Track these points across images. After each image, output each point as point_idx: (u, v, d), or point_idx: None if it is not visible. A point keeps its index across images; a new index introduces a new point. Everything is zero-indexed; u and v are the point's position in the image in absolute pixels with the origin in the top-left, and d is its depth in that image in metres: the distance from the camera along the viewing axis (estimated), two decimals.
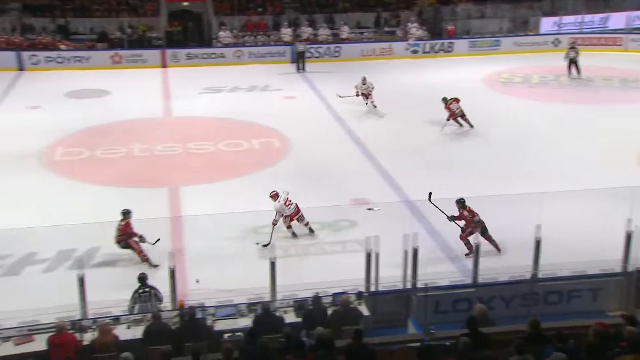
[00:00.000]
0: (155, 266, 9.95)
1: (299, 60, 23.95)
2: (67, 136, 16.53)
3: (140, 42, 25.37)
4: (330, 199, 12.15)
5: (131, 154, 15.44)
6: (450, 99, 16.35)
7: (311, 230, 11.05)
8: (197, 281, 9.33)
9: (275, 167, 14.43)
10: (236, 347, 6.76)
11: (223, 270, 9.80)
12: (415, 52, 25.93)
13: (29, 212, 11.80)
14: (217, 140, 16.12)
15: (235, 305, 8.41)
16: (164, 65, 24.56)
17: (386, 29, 27.31)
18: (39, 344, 7.72)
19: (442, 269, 9.77)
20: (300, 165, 14.40)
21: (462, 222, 10.14)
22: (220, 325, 8.18)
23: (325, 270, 9.90)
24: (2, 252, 10.22)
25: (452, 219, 10.04)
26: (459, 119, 16.37)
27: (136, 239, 10.17)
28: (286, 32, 26.08)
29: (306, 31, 26.07)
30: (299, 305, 8.46)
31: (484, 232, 10.09)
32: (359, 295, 8.64)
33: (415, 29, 26.60)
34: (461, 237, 10.17)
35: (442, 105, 16.40)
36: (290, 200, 10.88)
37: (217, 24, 26.40)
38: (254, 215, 10.80)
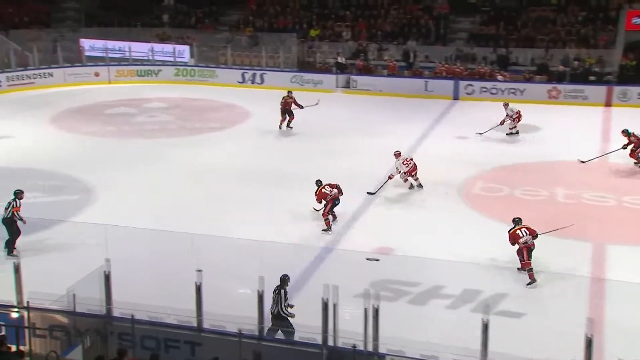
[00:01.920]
0: None
1: None
2: (489, 170, 16.74)
3: (584, 76, 24.28)
4: None
5: (553, 198, 14.76)
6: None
7: (420, 185, 15.00)
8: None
9: None
10: None
11: None
12: None
13: (438, 239, 12.32)
14: None
15: None
16: (607, 104, 22.95)
17: None
18: None
19: None
20: None
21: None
22: None
23: None
24: (414, 279, 10.67)
25: None
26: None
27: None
28: None
29: None
30: None
31: None
32: None
33: None
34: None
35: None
36: (407, 160, 14.92)
37: None
38: None
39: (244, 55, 28.34)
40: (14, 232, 11.67)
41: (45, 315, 8.82)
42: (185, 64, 27.97)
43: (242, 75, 27.19)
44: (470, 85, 25.08)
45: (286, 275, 9.08)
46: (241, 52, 28.41)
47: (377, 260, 11.26)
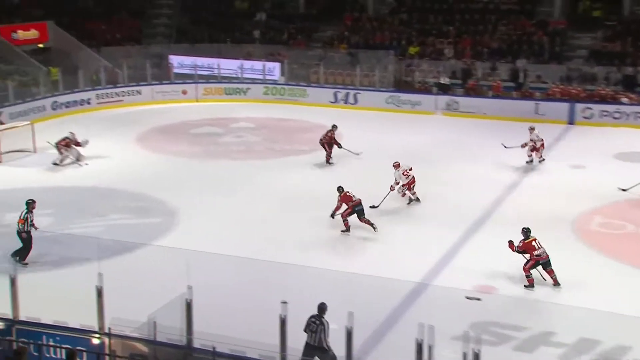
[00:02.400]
0: None
1: None
2: (609, 204, 16.07)
3: None
4: None
5: None
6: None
7: (417, 200, 15.79)
8: None
9: None
10: None
11: None
12: None
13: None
14: None
15: None
16: None
17: None
18: None
19: None
20: None
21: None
22: None
23: None
24: (521, 323, 10.35)
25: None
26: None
27: None
28: None
29: None
30: None
31: None
32: None
33: None
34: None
35: None
36: (407, 171, 15.58)
37: None
38: None
39: (337, 73, 28.72)
40: (24, 243, 12.71)
41: (126, 343, 9.17)
42: (275, 82, 28.67)
43: (335, 94, 27.56)
44: (589, 108, 24.24)
45: (324, 304, 9.17)
46: (334, 70, 28.81)
47: (479, 299, 11.02)
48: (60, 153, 19.22)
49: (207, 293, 10.09)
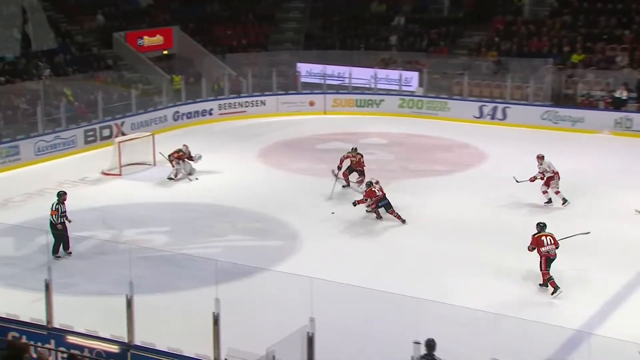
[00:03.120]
0: None
1: None
2: None
3: None
4: None
5: None
6: None
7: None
8: None
9: None
10: None
11: None
12: None
13: None
14: None
15: None
16: None
17: None
18: None
19: None
20: None
21: None
22: None
23: None
24: None
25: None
26: None
27: None
28: None
29: None
30: None
31: None
32: None
33: None
34: None
35: None
36: (380, 186, 17.15)
37: None
38: None
39: (483, 84, 28.35)
40: (56, 236, 14.39)
41: None
42: (412, 94, 28.69)
43: (480, 108, 27.20)
44: None
45: (432, 340, 9.13)
46: (480, 80, 28.45)
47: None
48: (172, 166, 20.22)
49: (331, 326, 10.19)
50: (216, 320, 9.73)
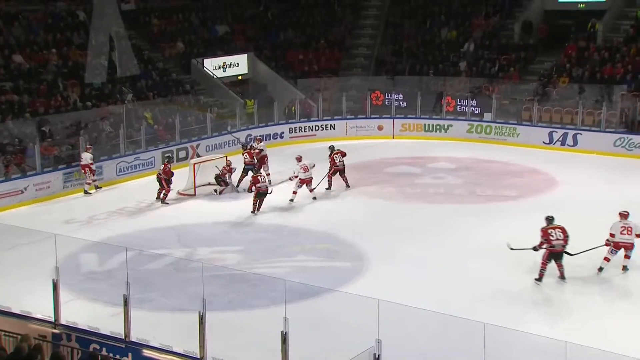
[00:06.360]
0: None
1: None
2: None
3: None
4: None
5: None
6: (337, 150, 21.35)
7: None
8: None
9: None
10: None
11: None
12: None
13: None
14: None
15: None
16: None
17: None
18: None
19: None
20: None
21: None
22: None
23: None
24: None
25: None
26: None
27: None
28: None
29: None
30: None
31: None
32: None
33: None
34: None
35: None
36: (307, 168, 19.95)
37: None
38: None
39: (554, 110, 27.97)
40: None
41: None
42: (481, 120, 28.53)
43: (550, 134, 26.82)
44: None
45: None
46: (551, 106, 28.08)
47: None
48: (223, 180, 21.43)
49: (396, 349, 10.22)
50: (284, 339, 9.86)
